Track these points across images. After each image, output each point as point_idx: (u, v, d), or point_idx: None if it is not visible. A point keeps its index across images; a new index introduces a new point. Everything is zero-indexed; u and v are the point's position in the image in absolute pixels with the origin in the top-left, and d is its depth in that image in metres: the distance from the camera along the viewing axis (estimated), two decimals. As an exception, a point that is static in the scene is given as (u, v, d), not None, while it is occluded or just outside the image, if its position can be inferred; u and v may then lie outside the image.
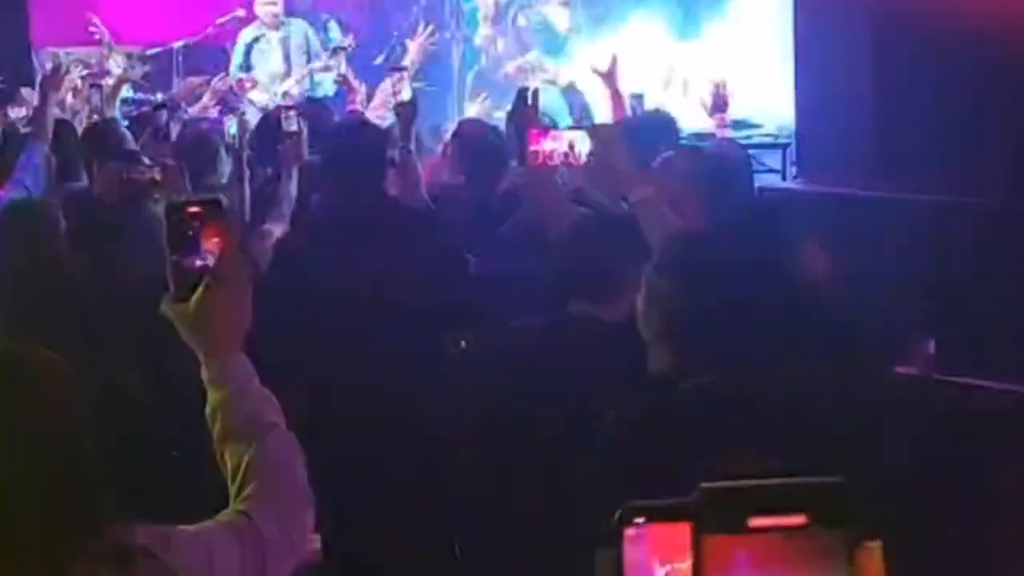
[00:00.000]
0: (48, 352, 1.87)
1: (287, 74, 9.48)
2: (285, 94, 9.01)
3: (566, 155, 3.93)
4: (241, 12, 9.89)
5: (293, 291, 4.17)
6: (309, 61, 9.66)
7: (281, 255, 4.52)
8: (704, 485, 1.14)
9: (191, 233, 2.03)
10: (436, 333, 4.11)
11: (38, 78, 5.84)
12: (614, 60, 5.81)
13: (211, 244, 2.04)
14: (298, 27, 9.86)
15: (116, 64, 9.18)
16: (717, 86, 6.25)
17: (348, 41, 9.59)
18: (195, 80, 8.60)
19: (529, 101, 3.99)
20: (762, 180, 6.92)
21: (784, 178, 7.70)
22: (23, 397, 1.80)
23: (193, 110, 8.03)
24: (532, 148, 3.85)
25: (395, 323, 4.07)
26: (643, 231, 3.44)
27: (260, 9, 9.77)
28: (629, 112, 5.81)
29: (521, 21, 10.42)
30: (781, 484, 1.14)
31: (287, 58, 9.68)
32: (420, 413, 3.99)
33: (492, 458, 3.47)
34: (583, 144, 3.88)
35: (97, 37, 9.42)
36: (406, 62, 7.52)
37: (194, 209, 2.05)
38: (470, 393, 3.65)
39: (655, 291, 2.88)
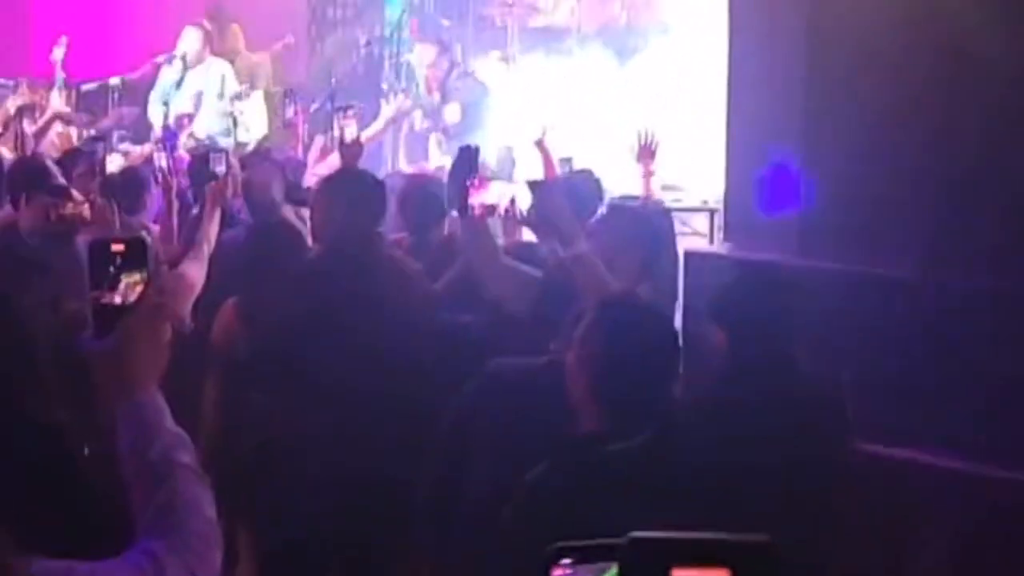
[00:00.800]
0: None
1: (194, 115, 9.52)
2: (190, 135, 9.01)
3: (506, 209, 3.98)
4: (179, 51, 9.93)
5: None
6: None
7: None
8: (633, 533, 1.16)
9: (112, 270, 2.04)
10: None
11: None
12: (544, 130, 5.94)
13: (132, 282, 2.04)
14: (217, 68, 9.91)
15: (48, 99, 9.13)
16: (644, 134, 6.33)
17: (244, 89, 9.70)
18: (126, 111, 8.56)
19: (471, 155, 4.04)
20: (690, 243, 7.02)
21: (711, 242, 7.81)
22: None
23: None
24: (471, 200, 3.89)
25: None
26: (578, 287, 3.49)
27: (180, 47, 9.85)
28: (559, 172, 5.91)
29: (456, 83, 10.53)
30: (707, 538, 1.17)
31: (198, 98, 9.72)
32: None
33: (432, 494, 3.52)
34: (522, 198, 3.94)
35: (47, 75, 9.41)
36: (378, 124, 7.53)
37: (116, 247, 2.05)
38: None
39: (587, 349, 2.91)
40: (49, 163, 5.99)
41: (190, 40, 9.90)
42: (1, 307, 2.78)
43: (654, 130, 6.40)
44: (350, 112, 6.07)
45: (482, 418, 3.40)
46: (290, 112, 6.81)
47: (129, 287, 2.04)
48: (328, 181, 5.02)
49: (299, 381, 4.42)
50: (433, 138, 10.19)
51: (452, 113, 10.23)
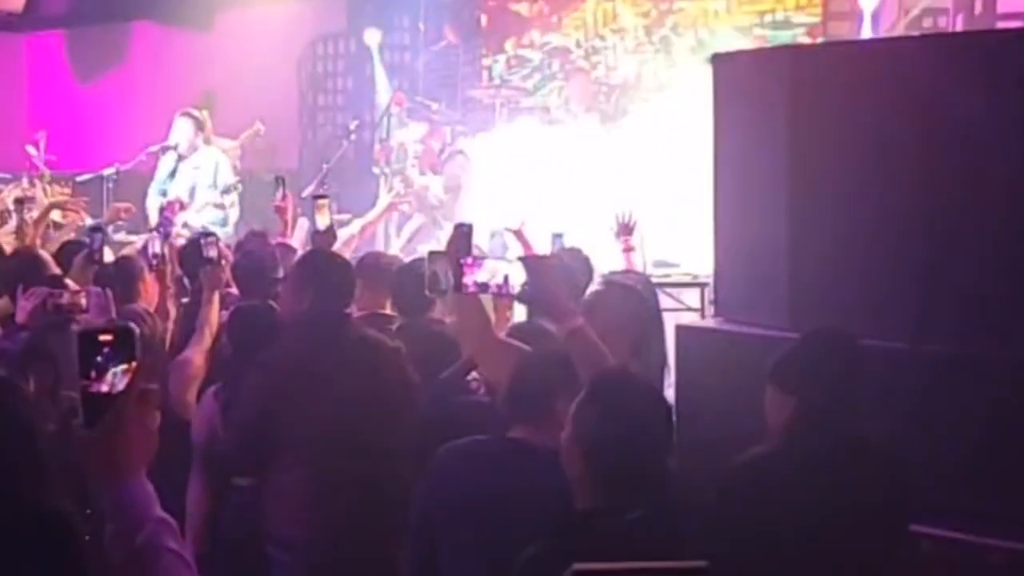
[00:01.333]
0: None
1: (188, 203, 9.58)
2: (184, 223, 9.07)
3: (499, 286, 4.01)
4: (171, 140, 10.04)
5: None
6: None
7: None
8: (575, 565, 1.19)
9: (100, 359, 2.07)
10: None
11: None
12: (523, 223, 5.99)
13: (120, 371, 2.07)
14: (210, 156, 10.02)
15: (45, 190, 9.24)
16: (621, 214, 6.57)
17: (235, 181, 9.82)
18: (123, 204, 8.64)
19: (465, 234, 4.08)
20: (681, 318, 7.08)
21: (703, 316, 7.86)
22: None
23: None
24: (465, 278, 3.92)
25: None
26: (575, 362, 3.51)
27: (172, 136, 9.96)
28: (550, 249, 5.96)
29: (446, 162, 10.66)
30: (645, 567, 1.20)
31: (192, 188, 9.81)
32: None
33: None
34: (516, 275, 3.97)
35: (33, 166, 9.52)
36: (376, 212, 7.62)
37: (105, 336, 2.09)
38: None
39: (582, 426, 2.94)
40: (44, 254, 6.06)
41: (182, 129, 10.00)
42: (6, 394, 2.81)
43: (630, 208, 6.62)
44: (321, 201, 6.18)
45: (441, 502, 3.43)
46: (279, 197, 6.86)
47: (118, 376, 2.07)
48: (298, 264, 5.10)
49: (278, 468, 4.45)
50: (422, 217, 10.29)
51: (442, 191, 10.34)
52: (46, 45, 13.88)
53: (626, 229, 6.55)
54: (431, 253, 4.68)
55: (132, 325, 2.15)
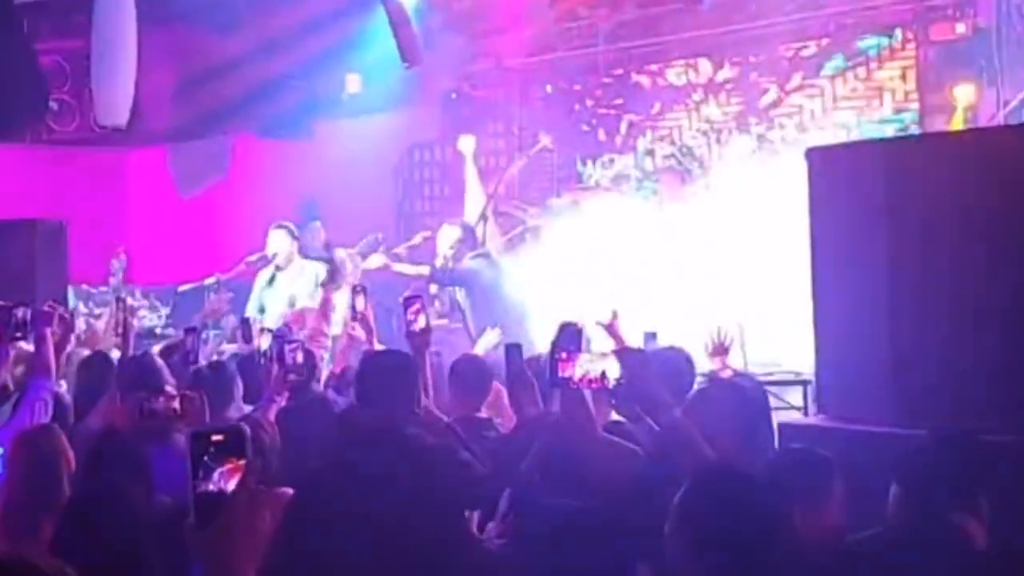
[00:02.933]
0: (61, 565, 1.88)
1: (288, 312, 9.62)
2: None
3: (593, 379, 3.96)
4: (270, 252, 10.16)
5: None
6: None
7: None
8: None
9: (210, 461, 2.09)
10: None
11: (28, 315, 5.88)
12: (615, 315, 5.90)
13: (231, 473, 2.09)
14: (310, 268, 10.06)
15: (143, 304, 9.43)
16: (717, 332, 6.47)
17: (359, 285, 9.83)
18: (221, 298, 8.74)
19: (574, 332, 4.05)
20: (784, 417, 6.95)
21: (806, 414, 7.72)
22: None
23: None
24: (562, 373, 3.91)
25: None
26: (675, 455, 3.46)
27: (269, 247, 10.06)
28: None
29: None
30: None
31: (291, 298, 9.87)
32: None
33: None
34: (612, 369, 3.92)
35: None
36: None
37: (216, 437, 2.11)
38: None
39: (685, 518, 2.88)
40: (155, 361, 6.07)
41: (278, 241, 10.12)
42: (117, 499, 2.83)
43: (727, 328, 6.52)
44: (416, 305, 6.16)
45: None
46: (360, 305, 6.83)
47: (227, 475, 2.08)
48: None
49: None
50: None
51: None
52: (149, 159, 14.25)
53: (721, 349, 6.48)
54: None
55: (243, 426, 2.15)
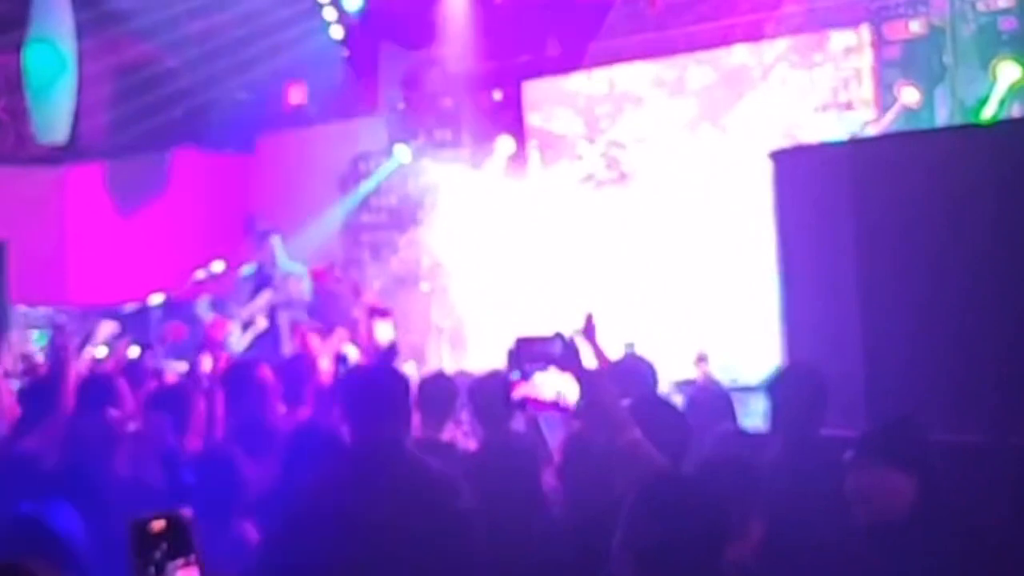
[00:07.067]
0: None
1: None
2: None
3: (551, 403, 3.88)
4: (218, 267, 9.89)
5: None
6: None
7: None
8: None
9: (158, 555, 1.99)
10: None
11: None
12: (589, 319, 5.69)
13: (178, 566, 1.99)
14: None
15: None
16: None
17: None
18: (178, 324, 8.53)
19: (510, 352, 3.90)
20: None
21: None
22: None
23: None
24: (515, 394, 3.80)
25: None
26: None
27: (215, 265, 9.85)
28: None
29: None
30: None
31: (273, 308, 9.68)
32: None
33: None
34: (570, 389, 3.83)
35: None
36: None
37: (157, 525, 2.01)
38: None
39: (631, 530, 2.81)
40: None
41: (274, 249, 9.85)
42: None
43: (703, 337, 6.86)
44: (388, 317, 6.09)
45: None
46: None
47: (175, 570, 2.00)
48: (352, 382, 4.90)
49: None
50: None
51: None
52: (87, 176, 13.94)
53: (704, 358, 6.99)
54: None
55: (184, 510, 2.04)
